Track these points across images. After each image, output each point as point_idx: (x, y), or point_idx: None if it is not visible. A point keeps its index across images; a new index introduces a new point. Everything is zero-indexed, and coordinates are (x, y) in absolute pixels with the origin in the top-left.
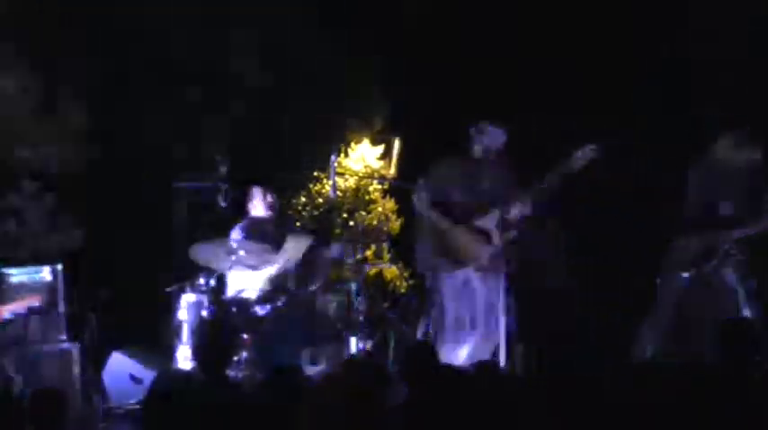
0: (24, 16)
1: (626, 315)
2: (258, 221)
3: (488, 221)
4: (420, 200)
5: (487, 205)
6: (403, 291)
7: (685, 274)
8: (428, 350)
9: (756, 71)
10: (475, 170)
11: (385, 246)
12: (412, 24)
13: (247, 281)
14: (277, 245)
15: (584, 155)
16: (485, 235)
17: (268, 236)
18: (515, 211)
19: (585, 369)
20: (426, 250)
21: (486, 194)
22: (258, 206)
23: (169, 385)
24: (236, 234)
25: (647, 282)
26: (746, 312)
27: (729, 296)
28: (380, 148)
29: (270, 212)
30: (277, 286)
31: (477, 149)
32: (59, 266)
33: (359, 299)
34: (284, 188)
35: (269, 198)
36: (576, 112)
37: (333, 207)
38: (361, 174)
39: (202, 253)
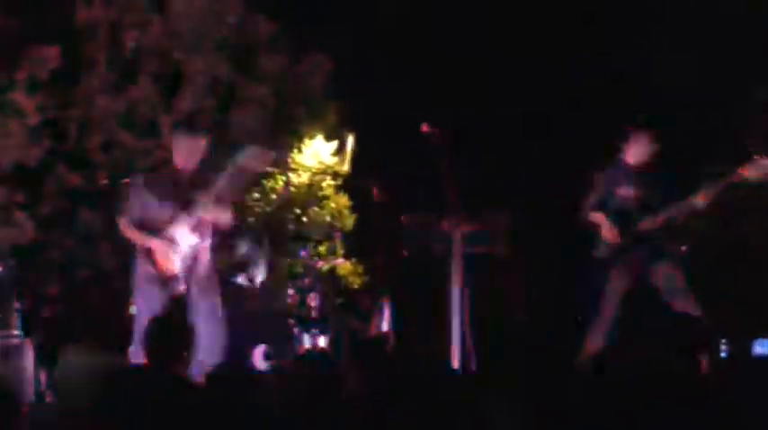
0: None
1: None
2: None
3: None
4: None
5: None
6: (356, 286)
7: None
8: (381, 345)
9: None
10: None
11: (338, 241)
12: (367, 21)
13: None
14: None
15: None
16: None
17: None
18: None
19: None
20: None
21: None
22: None
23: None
24: None
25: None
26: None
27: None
28: (334, 144)
29: None
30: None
31: None
32: (11, 262)
33: (312, 294)
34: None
35: None
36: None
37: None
38: (314, 170)
39: None
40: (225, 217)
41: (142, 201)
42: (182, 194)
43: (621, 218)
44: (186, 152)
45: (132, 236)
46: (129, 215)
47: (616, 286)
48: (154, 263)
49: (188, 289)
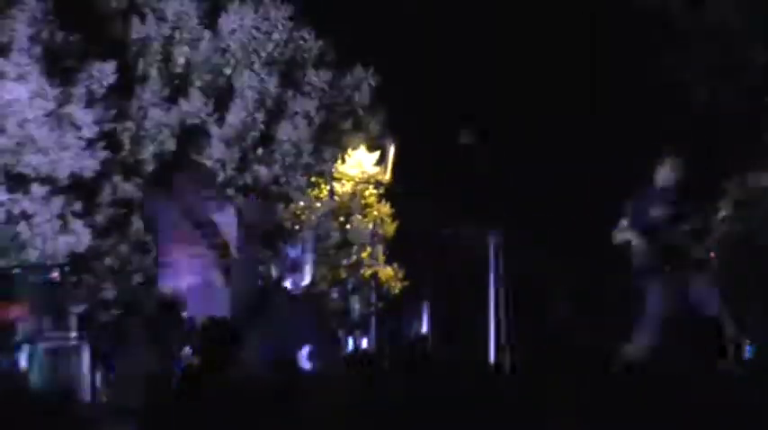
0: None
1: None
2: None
3: None
4: None
5: None
6: (397, 291)
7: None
8: (423, 346)
9: None
10: None
11: (380, 248)
12: (409, 37)
13: None
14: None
15: None
16: None
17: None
18: None
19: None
20: None
21: None
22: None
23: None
24: None
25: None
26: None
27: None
28: (376, 154)
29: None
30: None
31: None
32: (68, 267)
33: (354, 297)
34: (285, 193)
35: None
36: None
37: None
38: (357, 180)
39: None
40: None
41: None
42: None
43: (653, 236)
44: None
45: None
46: None
47: (656, 297)
48: None
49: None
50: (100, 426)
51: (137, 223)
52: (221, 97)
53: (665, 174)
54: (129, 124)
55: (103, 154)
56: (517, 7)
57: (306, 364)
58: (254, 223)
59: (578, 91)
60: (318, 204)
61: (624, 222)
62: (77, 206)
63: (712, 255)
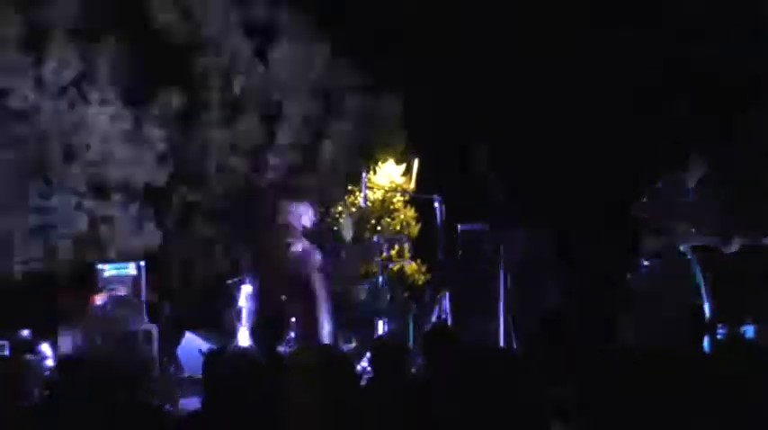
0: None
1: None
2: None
3: None
4: None
5: None
6: (420, 283)
7: (646, 263)
8: (443, 331)
9: None
10: None
11: (406, 246)
12: (431, 68)
13: None
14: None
15: None
16: None
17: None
18: None
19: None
20: None
21: None
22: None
23: (221, 357)
24: None
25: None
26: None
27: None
28: (403, 167)
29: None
30: None
31: None
32: (142, 263)
33: (384, 289)
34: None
35: (310, 211)
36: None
37: (363, 215)
38: (386, 188)
39: None
40: None
41: None
42: None
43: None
44: None
45: None
46: None
47: (649, 280)
48: None
49: None
50: (167, 395)
51: (200, 225)
52: (272, 119)
53: (694, 174)
54: (194, 142)
55: (172, 167)
56: (530, 37)
57: (343, 346)
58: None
59: (586, 110)
60: (354, 209)
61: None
62: (150, 211)
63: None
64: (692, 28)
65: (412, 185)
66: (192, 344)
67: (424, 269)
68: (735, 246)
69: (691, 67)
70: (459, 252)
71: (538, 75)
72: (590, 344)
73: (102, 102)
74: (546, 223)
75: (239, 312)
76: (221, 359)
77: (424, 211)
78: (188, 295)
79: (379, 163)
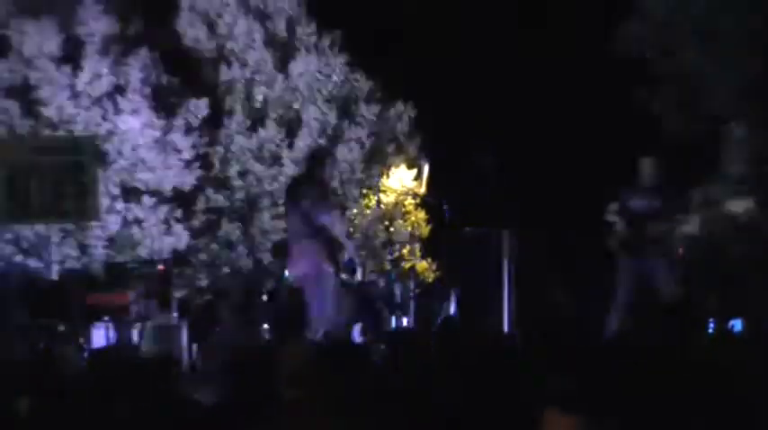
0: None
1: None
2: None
3: None
4: None
5: None
6: (430, 280)
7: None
8: (455, 322)
9: None
10: None
11: (417, 246)
12: (442, 79)
13: None
14: None
15: None
16: None
17: None
18: None
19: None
20: None
21: None
22: None
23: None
24: None
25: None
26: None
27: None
28: (414, 171)
29: None
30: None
31: None
32: (171, 261)
33: (396, 285)
34: (342, 202)
35: None
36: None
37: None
38: (398, 192)
39: None
40: None
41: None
42: None
43: (635, 222)
44: None
45: None
46: None
47: (626, 278)
48: None
49: None
50: (195, 387)
51: (225, 226)
52: (291, 127)
53: (646, 172)
54: (219, 148)
55: (198, 172)
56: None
57: (359, 338)
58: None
59: (583, 116)
60: (368, 211)
61: (614, 206)
62: (178, 213)
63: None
64: None
65: (423, 189)
66: (221, 338)
67: (433, 267)
68: None
69: None
70: (466, 251)
71: (540, 86)
72: (586, 337)
73: (134, 111)
74: (544, 225)
75: (264, 308)
76: (244, 352)
77: (433, 214)
78: (214, 291)
79: (392, 168)
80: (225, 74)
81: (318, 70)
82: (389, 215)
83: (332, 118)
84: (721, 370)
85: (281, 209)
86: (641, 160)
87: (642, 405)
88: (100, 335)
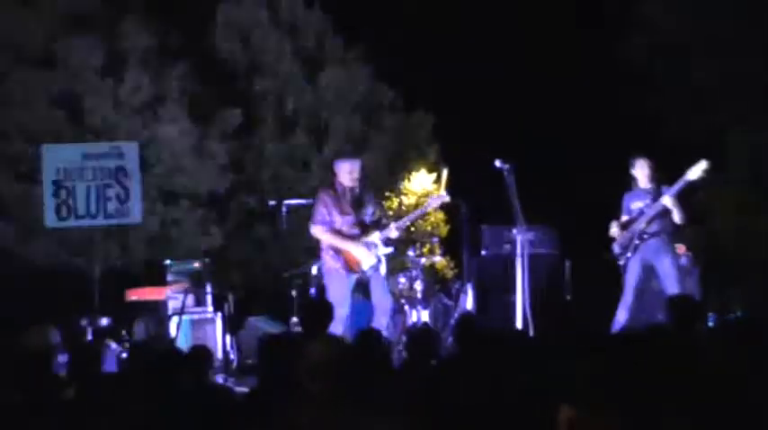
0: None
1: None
2: None
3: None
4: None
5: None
6: (449, 276)
7: (629, 255)
8: (471, 319)
9: None
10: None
11: (436, 244)
12: (459, 89)
13: None
14: None
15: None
16: None
17: None
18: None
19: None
20: None
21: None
22: None
23: (273, 340)
24: None
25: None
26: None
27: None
28: (434, 175)
29: None
30: None
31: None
32: (206, 260)
33: (417, 282)
34: None
35: None
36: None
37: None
38: (419, 194)
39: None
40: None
41: (328, 212)
42: (354, 208)
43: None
44: (348, 173)
45: (325, 238)
46: (320, 222)
47: (632, 275)
48: (343, 259)
49: (368, 279)
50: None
51: (257, 227)
52: (320, 134)
53: (640, 174)
54: (251, 154)
55: (232, 176)
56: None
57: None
58: None
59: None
60: (390, 212)
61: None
62: (213, 215)
63: (682, 247)
64: None
65: (442, 191)
66: (254, 330)
67: (452, 265)
68: None
69: None
70: (483, 249)
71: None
72: (594, 329)
73: (172, 120)
74: (553, 222)
75: (292, 302)
76: (273, 343)
77: (452, 214)
78: (248, 287)
79: (413, 172)
80: (257, 84)
81: (345, 81)
82: None
83: (357, 126)
84: (721, 362)
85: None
86: (633, 161)
87: (647, 394)
88: (141, 330)
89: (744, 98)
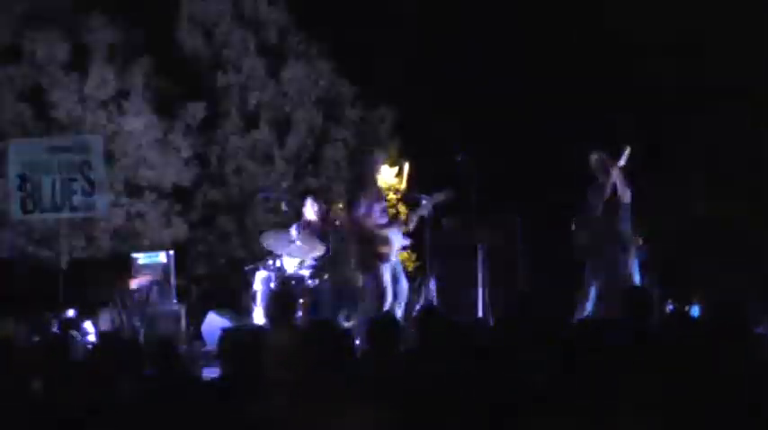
0: (151, 79)
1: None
2: (308, 222)
3: None
4: None
5: None
6: (411, 268)
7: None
8: (434, 310)
9: None
10: None
11: None
12: (421, 84)
13: (297, 263)
14: (320, 239)
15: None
16: None
17: (315, 232)
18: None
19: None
20: None
21: None
22: (309, 211)
23: (237, 332)
24: (293, 230)
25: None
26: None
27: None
28: (396, 169)
29: (316, 216)
30: (320, 266)
31: None
32: (171, 252)
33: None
34: (330, 197)
35: (316, 206)
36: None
37: None
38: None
39: (268, 239)
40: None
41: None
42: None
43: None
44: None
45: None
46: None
47: (591, 272)
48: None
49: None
50: (192, 366)
51: (220, 220)
52: (282, 128)
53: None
54: (215, 148)
55: (197, 169)
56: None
57: (344, 323)
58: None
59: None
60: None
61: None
62: (178, 207)
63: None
64: None
65: (403, 185)
66: (215, 323)
67: (413, 257)
68: None
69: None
70: (444, 241)
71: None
72: (553, 317)
73: (137, 114)
74: (515, 213)
75: (254, 295)
76: (234, 334)
77: (413, 208)
78: (210, 280)
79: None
80: (221, 79)
81: (307, 76)
82: None
83: (319, 120)
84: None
85: (272, 204)
86: (590, 157)
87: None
88: (106, 321)
89: None
